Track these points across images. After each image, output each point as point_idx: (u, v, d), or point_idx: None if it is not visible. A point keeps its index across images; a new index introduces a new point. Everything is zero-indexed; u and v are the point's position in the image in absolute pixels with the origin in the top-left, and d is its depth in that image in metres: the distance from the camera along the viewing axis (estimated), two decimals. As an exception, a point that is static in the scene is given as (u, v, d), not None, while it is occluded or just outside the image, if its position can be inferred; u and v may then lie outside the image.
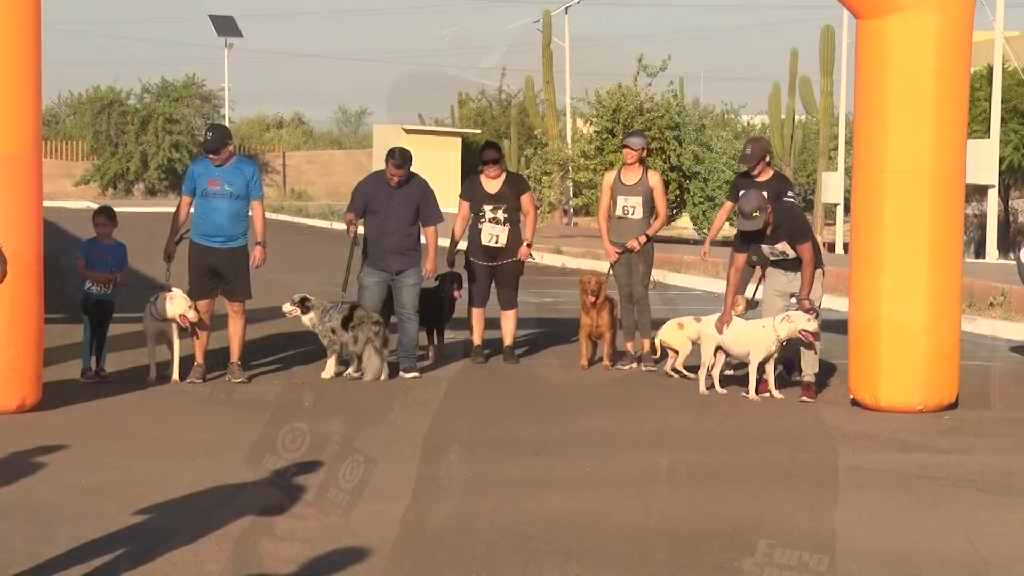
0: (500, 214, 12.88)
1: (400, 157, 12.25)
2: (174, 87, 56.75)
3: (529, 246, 13.10)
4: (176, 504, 7.62)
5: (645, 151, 12.93)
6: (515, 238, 12.98)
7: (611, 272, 12.98)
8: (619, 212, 12.79)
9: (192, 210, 11.73)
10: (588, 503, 7.77)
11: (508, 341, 13.17)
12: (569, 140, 38.03)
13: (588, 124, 34.01)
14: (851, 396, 11.05)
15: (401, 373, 12.13)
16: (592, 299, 12.43)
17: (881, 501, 7.97)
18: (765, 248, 11.28)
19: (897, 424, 10.31)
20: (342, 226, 45.69)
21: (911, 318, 10.67)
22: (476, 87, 53.00)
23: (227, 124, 53.93)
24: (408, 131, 50.89)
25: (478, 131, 52.71)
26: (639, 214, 12.74)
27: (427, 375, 12.38)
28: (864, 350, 10.83)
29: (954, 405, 10.91)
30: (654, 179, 12.96)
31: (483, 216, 12.92)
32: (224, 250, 11.64)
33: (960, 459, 9.13)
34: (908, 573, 6.53)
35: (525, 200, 13.09)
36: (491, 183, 12.98)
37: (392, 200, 12.22)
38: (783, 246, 11.17)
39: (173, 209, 12.06)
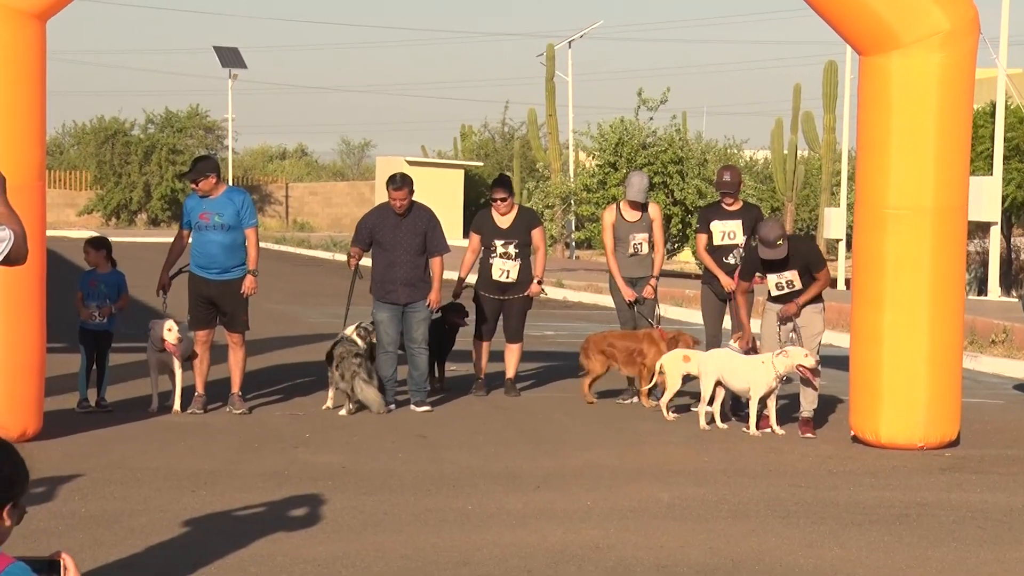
0: (511, 249, 12.94)
1: (400, 180, 12.17)
2: (178, 118, 56.93)
3: (540, 283, 13.16)
4: (176, 534, 7.62)
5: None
6: (525, 272, 13.05)
7: (629, 306, 13.03)
8: (631, 251, 12.93)
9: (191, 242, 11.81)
10: (588, 537, 7.76)
11: (510, 374, 13.18)
12: (572, 173, 38.10)
13: (591, 158, 34.08)
14: (852, 432, 11.05)
15: (412, 407, 12.11)
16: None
17: (882, 538, 7.96)
18: (772, 277, 11.26)
19: (898, 461, 10.30)
20: (345, 257, 45.54)
21: (912, 355, 10.67)
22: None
23: (231, 155, 54.07)
24: (411, 163, 51.03)
25: (480, 163, 52.84)
26: (646, 248, 12.98)
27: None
28: (865, 386, 10.84)
29: (955, 443, 10.91)
30: (654, 211, 13.12)
31: (494, 251, 12.98)
32: (220, 282, 11.64)
33: (961, 497, 9.12)
34: (908, 610, 6.52)
35: (536, 235, 13.15)
36: (502, 218, 13.06)
37: (399, 231, 12.16)
38: (792, 275, 11.21)
39: None
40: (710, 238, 12.64)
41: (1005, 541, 7.97)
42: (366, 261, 12.63)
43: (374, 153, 72.24)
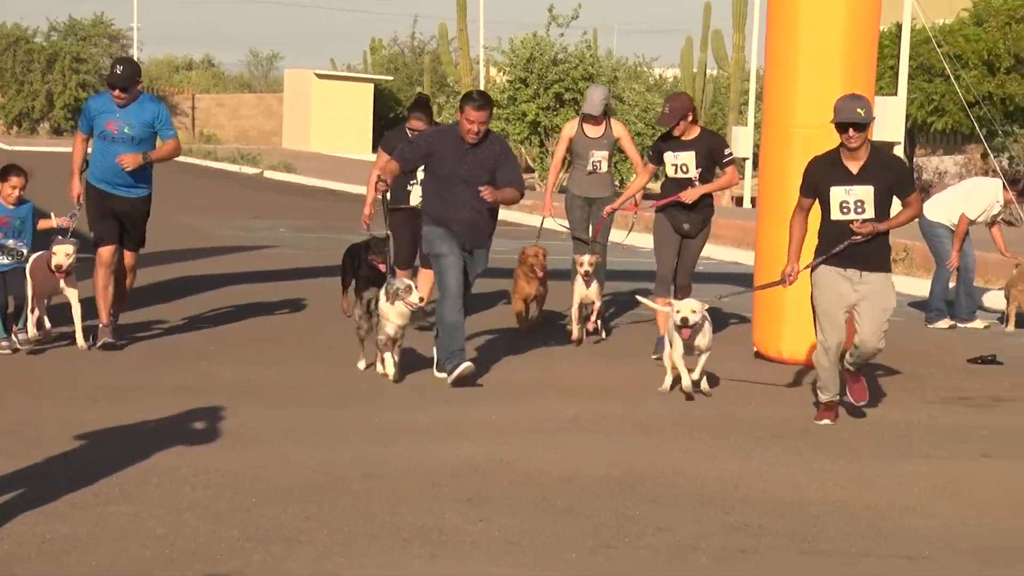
0: None
1: (481, 98, 9.84)
2: (82, 26, 55.79)
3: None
4: (77, 446, 7.54)
5: (606, 103, 12.10)
6: None
7: (545, 224, 12.23)
8: (589, 168, 12.04)
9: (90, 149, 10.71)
10: (494, 450, 7.80)
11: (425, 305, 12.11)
12: (482, 89, 37.92)
13: (502, 73, 33.91)
14: (755, 349, 11.16)
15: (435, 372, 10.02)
16: (541, 275, 11.88)
17: (783, 452, 8.08)
18: (837, 192, 8.63)
19: (799, 376, 10.44)
20: (252, 169, 44.35)
21: (816, 272, 10.78)
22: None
23: (136, 65, 53.12)
24: (320, 76, 50.47)
25: (390, 78, 52.39)
26: (605, 167, 12.10)
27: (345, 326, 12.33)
28: (769, 304, 10.95)
29: (856, 359, 11.05)
30: (619, 129, 12.22)
31: (413, 177, 11.52)
32: (127, 198, 10.68)
33: (859, 412, 9.26)
34: (806, 522, 6.64)
35: None
36: None
37: (463, 163, 9.86)
38: (866, 192, 8.60)
39: None
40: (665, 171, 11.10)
41: (901, 455, 8.13)
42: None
43: (282, 65, 71.36)
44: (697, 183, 10.89)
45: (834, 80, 10.68)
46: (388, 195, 10.54)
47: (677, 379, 9.65)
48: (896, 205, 8.84)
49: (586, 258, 11.54)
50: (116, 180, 10.64)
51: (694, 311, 9.33)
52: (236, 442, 7.79)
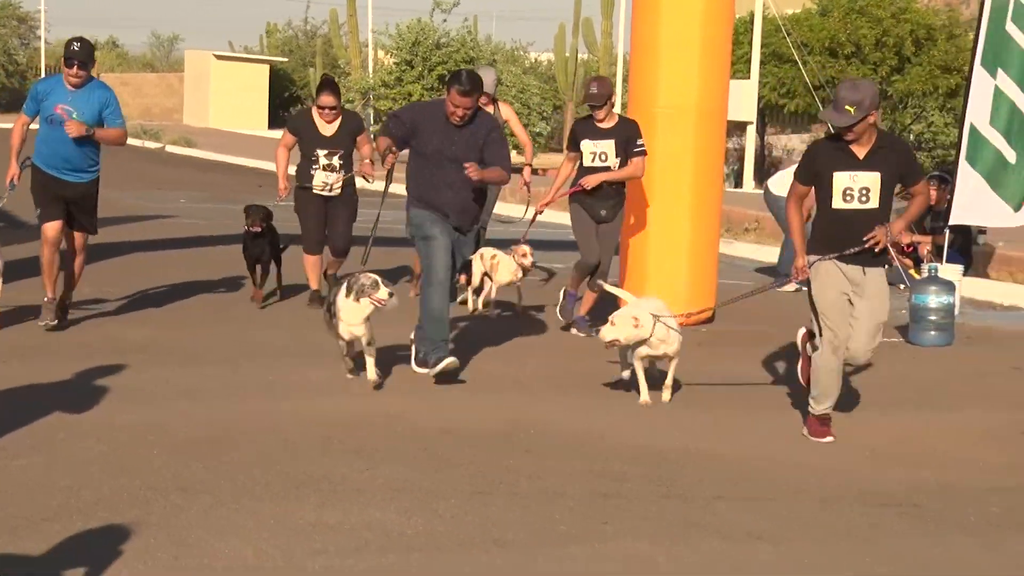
0: (335, 160, 10.88)
1: (469, 82, 8.45)
2: (-10, 7, 54.41)
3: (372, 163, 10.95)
4: (-12, 405, 7.40)
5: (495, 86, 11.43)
6: (349, 181, 11.04)
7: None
8: None
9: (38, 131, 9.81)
10: (382, 405, 7.80)
11: (333, 270, 11.28)
12: (371, 70, 37.65)
13: (388, 56, 33.71)
14: (621, 310, 11.23)
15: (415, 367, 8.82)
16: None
17: (644, 406, 8.16)
18: (841, 178, 7.27)
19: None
20: (154, 144, 43.52)
21: (675, 240, 10.91)
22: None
23: (43, 45, 51.93)
24: (219, 57, 49.70)
25: (285, 59, 51.83)
26: None
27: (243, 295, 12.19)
28: (634, 269, 11.06)
29: (711, 319, 11.22)
30: (506, 110, 11.66)
31: (316, 161, 10.90)
32: (75, 183, 9.78)
33: (714, 368, 9.40)
34: (665, 469, 6.73)
35: (361, 141, 11.01)
36: (327, 126, 10.97)
37: (451, 143, 8.60)
38: (872, 180, 7.26)
39: None
40: (581, 158, 10.37)
41: (752, 407, 8.27)
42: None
43: (183, 47, 70.10)
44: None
45: (693, 63, 10.78)
46: (297, 172, 10.65)
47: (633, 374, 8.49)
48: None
49: (527, 248, 11.00)
50: (64, 165, 9.74)
51: (613, 323, 8.12)
52: (139, 399, 7.69)
